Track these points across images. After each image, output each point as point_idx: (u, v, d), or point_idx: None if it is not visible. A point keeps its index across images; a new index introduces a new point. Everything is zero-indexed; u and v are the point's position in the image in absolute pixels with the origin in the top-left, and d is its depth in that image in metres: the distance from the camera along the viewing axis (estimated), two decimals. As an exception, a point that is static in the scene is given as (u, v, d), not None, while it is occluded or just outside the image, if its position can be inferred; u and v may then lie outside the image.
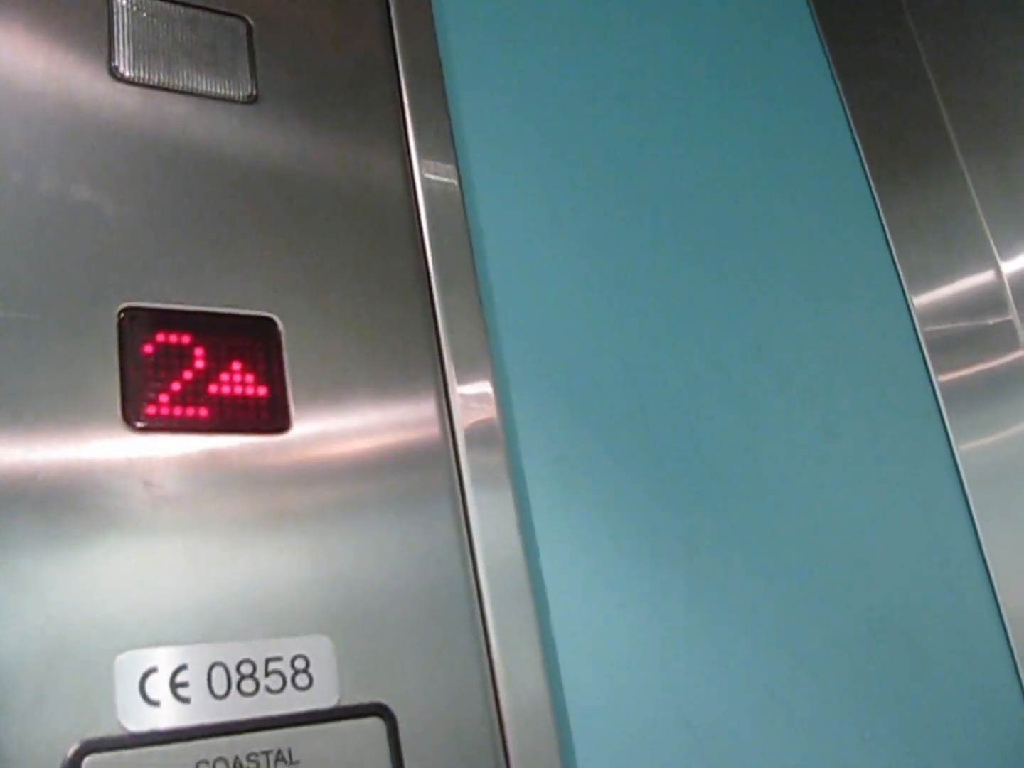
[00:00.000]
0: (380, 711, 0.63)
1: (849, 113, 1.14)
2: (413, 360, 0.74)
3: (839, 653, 0.85)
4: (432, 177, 0.81)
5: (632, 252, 0.92)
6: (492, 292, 0.82)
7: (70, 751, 0.55)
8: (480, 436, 0.74)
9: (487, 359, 0.78)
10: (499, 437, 0.75)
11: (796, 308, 1.00)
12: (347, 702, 0.63)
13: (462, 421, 0.74)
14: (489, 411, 0.76)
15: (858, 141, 1.13)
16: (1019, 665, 0.92)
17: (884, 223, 1.10)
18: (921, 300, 1.07)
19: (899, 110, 1.16)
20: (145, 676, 0.58)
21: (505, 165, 0.89)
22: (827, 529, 0.90)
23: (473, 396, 0.75)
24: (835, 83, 1.15)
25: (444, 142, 0.83)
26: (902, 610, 0.90)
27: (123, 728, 0.57)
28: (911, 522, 0.95)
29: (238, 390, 0.66)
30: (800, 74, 1.14)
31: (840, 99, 1.14)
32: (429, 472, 0.72)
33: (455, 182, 0.83)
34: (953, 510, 0.98)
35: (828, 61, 1.16)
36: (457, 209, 0.82)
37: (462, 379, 0.75)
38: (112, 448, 0.62)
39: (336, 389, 0.70)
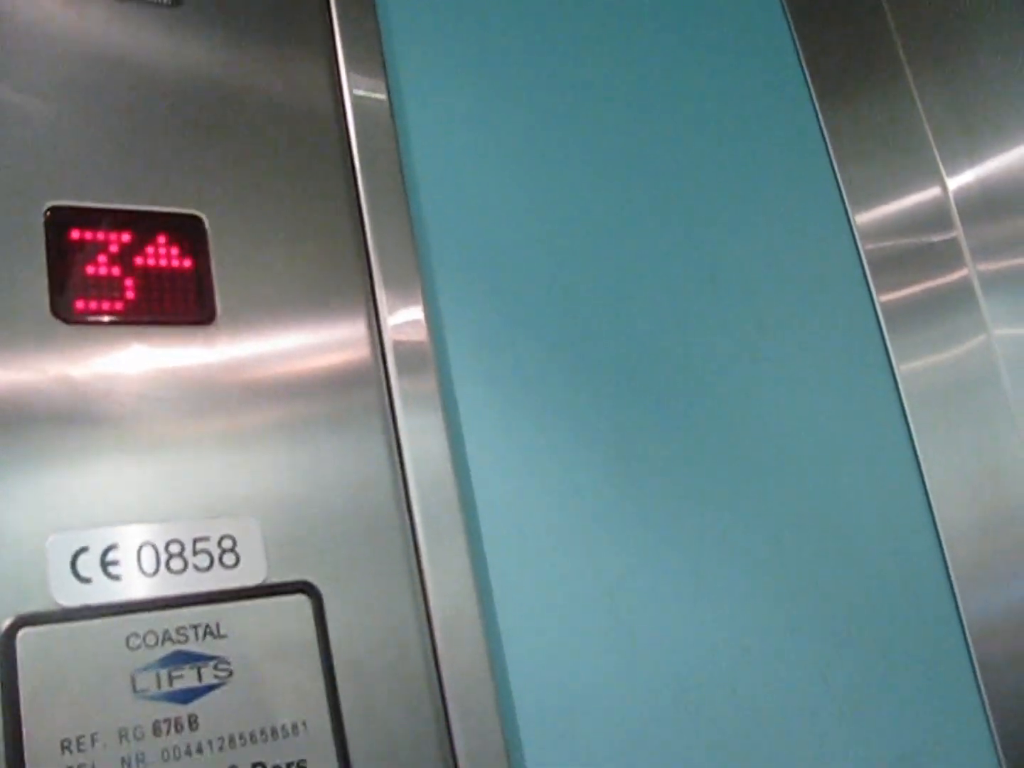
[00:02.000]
0: (306, 588, 0.66)
1: (792, 22, 1.13)
2: (343, 278, 0.76)
3: (768, 543, 0.87)
4: (361, 93, 0.82)
5: (566, 167, 0.93)
6: (423, 211, 0.83)
7: (4, 624, 0.58)
8: (411, 359, 0.76)
9: (417, 275, 0.79)
10: (430, 360, 0.77)
11: (732, 213, 1.00)
12: (273, 580, 0.66)
13: (392, 344, 0.75)
14: (420, 334, 0.77)
15: (800, 50, 1.11)
16: (951, 569, 0.95)
17: (826, 136, 1.09)
18: (863, 217, 1.06)
19: (844, 19, 1.15)
20: (76, 555, 0.61)
21: (436, 79, 0.89)
22: (759, 421, 0.92)
23: (403, 318, 0.77)
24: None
25: (373, 55, 0.84)
26: (830, 499, 0.93)
27: (56, 604, 0.60)
28: (845, 420, 0.97)
29: (165, 272, 0.68)
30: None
31: (783, 7, 1.13)
32: (358, 390, 0.74)
33: (384, 97, 0.83)
34: (892, 428, 0.99)
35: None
36: (387, 125, 0.82)
37: (392, 299, 0.77)
38: (41, 341, 0.64)
39: (262, 291, 0.72)
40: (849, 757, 0.84)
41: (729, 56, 1.08)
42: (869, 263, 1.05)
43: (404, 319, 0.77)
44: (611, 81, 0.99)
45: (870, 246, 1.06)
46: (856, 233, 1.06)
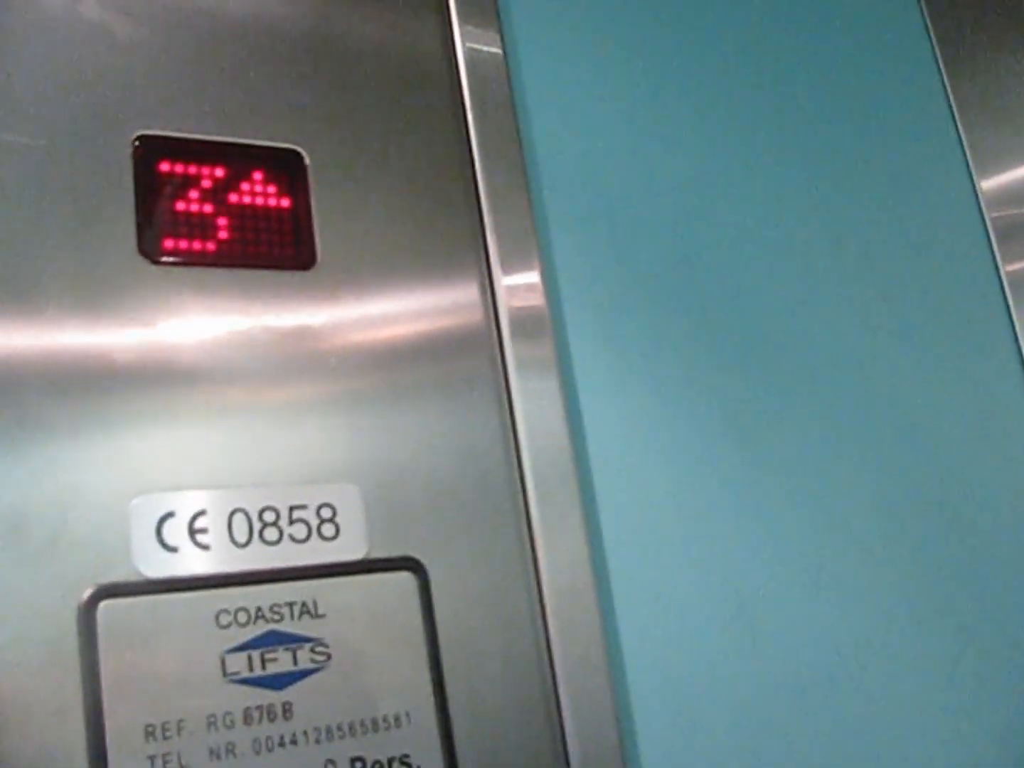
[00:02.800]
0: (411, 565, 0.60)
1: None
2: (454, 235, 0.70)
3: (892, 528, 0.82)
4: (474, 45, 0.76)
5: (687, 125, 0.87)
6: (539, 169, 0.77)
7: (85, 595, 0.53)
8: (526, 323, 0.70)
9: (534, 240, 0.73)
10: (546, 324, 0.71)
11: (858, 173, 0.94)
12: (376, 554, 0.59)
13: (507, 308, 0.69)
14: (536, 298, 0.71)
15: (926, 15, 1.05)
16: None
17: (952, 102, 1.02)
18: (989, 184, 1.01)
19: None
20: (162, 521, 0.55)
21: (552, 31, 0.83)
22: (880, 396, 0.86)
23: (519, 281, 0.71)
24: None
25: (487, 9, 0.77)
26: (956, 486, 0.86)
27: (139, 574, 0.54)
28: (969, 395, 0.91)
29: (260, 211, 0.61)
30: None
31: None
32: (470, 356, 0.68)
33: (499, 50, 0.77)
34: (1015, 398, 0.93)
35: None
36: (501, 81, 0.76)
37: (506, 262, 0.70)
38: (128, 283, 0.58)
39: (366, 239, 0.66)
40: (976, 756, 0.79)
41: (855, 22, 1.02)
42: (995, 231, 0.99)
43: (519, 281, 0.70)
44: (735, 39, 0.93)
45: (995, 214, 1.00)
46: (982, 200, 1.00)
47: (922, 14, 1.05)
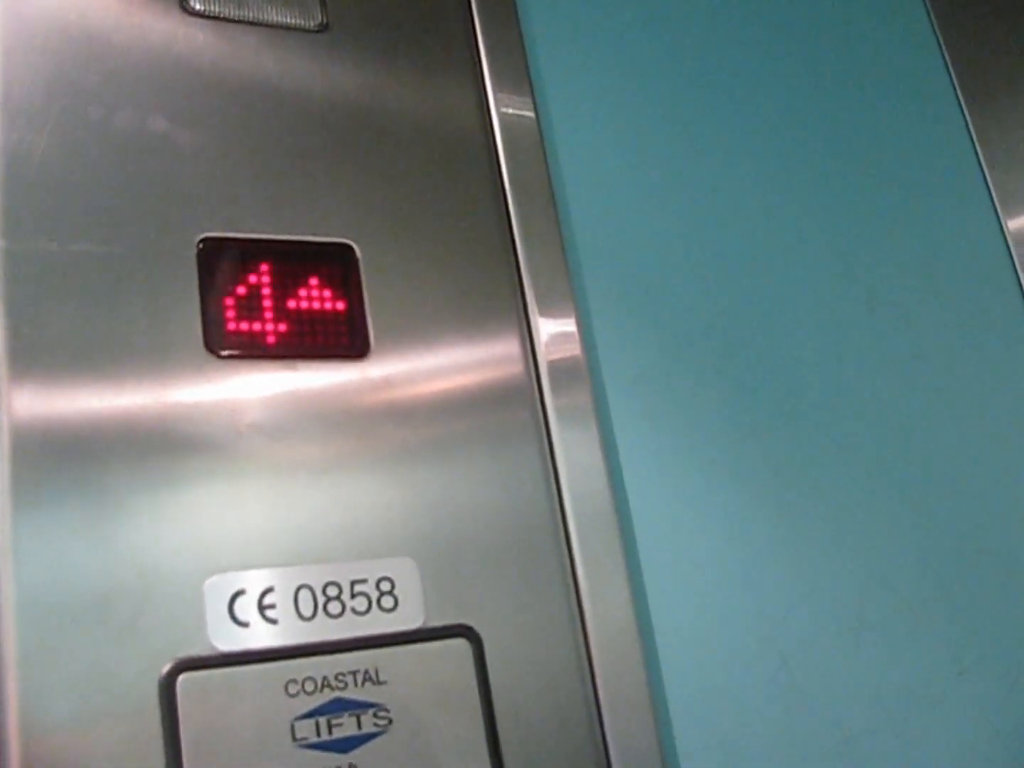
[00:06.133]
0: (466, 632, 0.63)
1: (938, 28, 1.09)
2: (494, 294, 0.74)
3: (931, 578, 0.83)
4: (509, 111, 0.80)
5: (713, 179, 0.90)
6: (572, 226, 0.81)
7: (165, 669, 0.57)
8: (564, 373, 0.74)
9: (569, 294, 0.77)
10: (583, 373, 0.75)
11: (886, 229, 0.96)
12: (432, 623, 0.63)
13: (546, 358, 0.73)
14: (572, 348, 0.75)
15: (948, 57, 1.08)
16: None
17: (976, 142, 1.05)
18: (1016, 222, 1.02)
19: (990, 26, 1.11)
20: (234, 598, 0.60)
21: (582, 95, 0.87)
22: (917, 452, 0.88)
23: (556, 332, 0.75)
24: (924, -4, 1.10)
25: (519, 76, 0.82)
26: (995, 534, 0.88)
27: (214, 648, 0.58)
28: (1005, 447, 0.92)
29: (317, 314, 0.66)
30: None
31: (928, 13, 1.09)
32: (512, 408, 0.72)
33: (532, 114, 0.81)
34: None
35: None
36: (535, 142, 0.81)
37: (544, 315, 0.75)
38: (197, 377, 0.63)
39: (415, 318, 0.70)
40: (1021, 807, 0.79)
41: (877, 69, 1.04)
42: (1022, 269, 1.01)
43: (557, 332, 0.75)
44: (760, 95, 0.96)
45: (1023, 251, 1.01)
46: (1009, 239, 1.02)
47: (943, 56, 1.08)
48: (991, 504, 0.89)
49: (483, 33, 0.82)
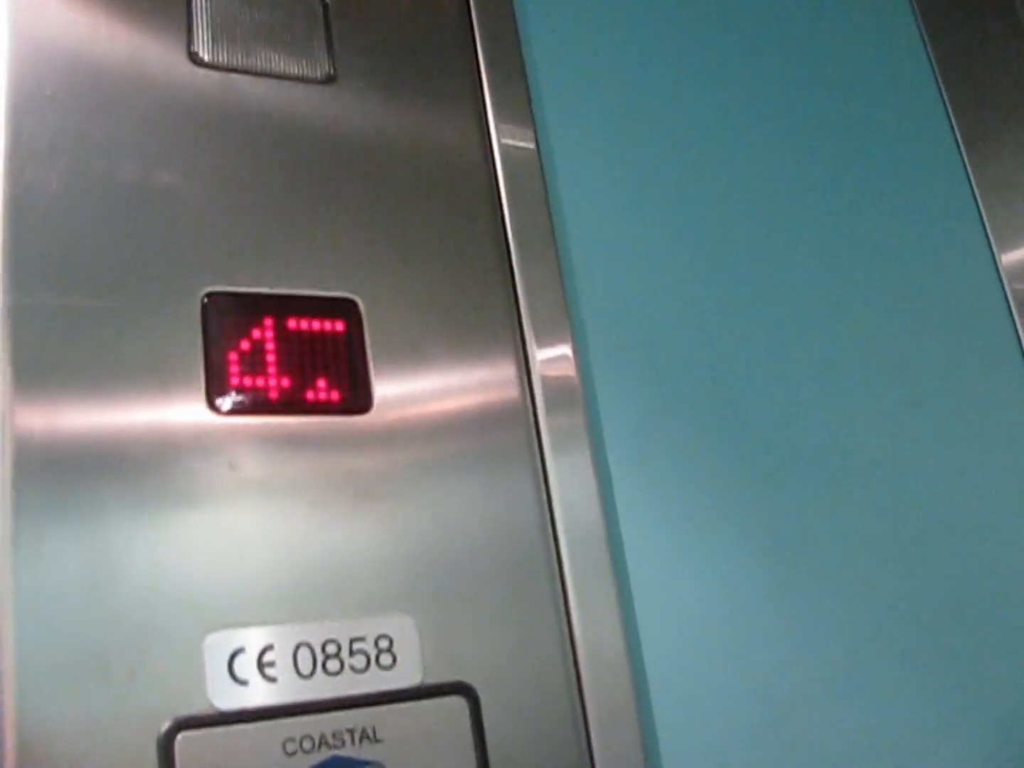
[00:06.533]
0: (462, 689, 0.64)
1: (935, 63, 1.09)
2: (493, 326, 0.75)
3: (923, 630, 0.83)
4: (510, 143, 0.81)
5: (711, 215, 0.91)
6: (571, 257, 0.82)
7: (163, 727, 0.57)
8: (559, 398, 0.74)
9: (566, 324, 0.77)
10: (578, 399, 0.75)
11: (880, 269, 0.97)
12: (430, 680, 0.63)
13: (541, 384, 0.74)
14: (568, 374, 0.76)
15: (944, 92, 1.08)
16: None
17: (971, 176, 1.05)
18: (1010, 257, 1.03)
19: (988, 58, 1.12)
20: (233, 656, 0.60)
21: (583, 130, 0.88)
22: (910, 503, 0.88)
23: (552, 359, 0.75)
24: (920, 31, 1.10)
25: (521, 108, 0.83)
26: (988, 588, 0.88)
27: (213, 706, 0.58)
28: (999, 496, 0.92)
29: (320, 370, 0.66)
30: (884, 23, 1.10)
31: (926, 48, 1.09)
32: (508, 434, 0.72)
33: (533, 147, 0.82)
34: None
35: (913, 8, 1.11)
36: (535, 174, 0.81)
37: (541, 343, 0.75)
38: (197, 431, 0.63)
39: (416, 363, 0.70)
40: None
41: (877, 101, 1.05)
42: (1016, 304, 1.01)
43: (553, 357, 0.76)
44: (758, 136, 0.96)
45: (1018, 286, 1.02)
46: (1003, 274, 1.02)
47: (939, 90, 1.08)
48: (983, 557, 0.89)
49: (486, 68, 0.82)
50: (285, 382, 0.65)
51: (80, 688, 0.56)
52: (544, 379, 0.74)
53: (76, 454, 0.60)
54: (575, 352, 0.77)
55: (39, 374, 0.61)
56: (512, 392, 0.73)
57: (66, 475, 0.60)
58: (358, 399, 0.67)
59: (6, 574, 0.57)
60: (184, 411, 0.63)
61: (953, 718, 0.81)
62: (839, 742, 0.77)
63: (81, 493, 0.60)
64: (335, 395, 0.67)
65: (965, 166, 1.06)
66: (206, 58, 0.71)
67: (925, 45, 1.10)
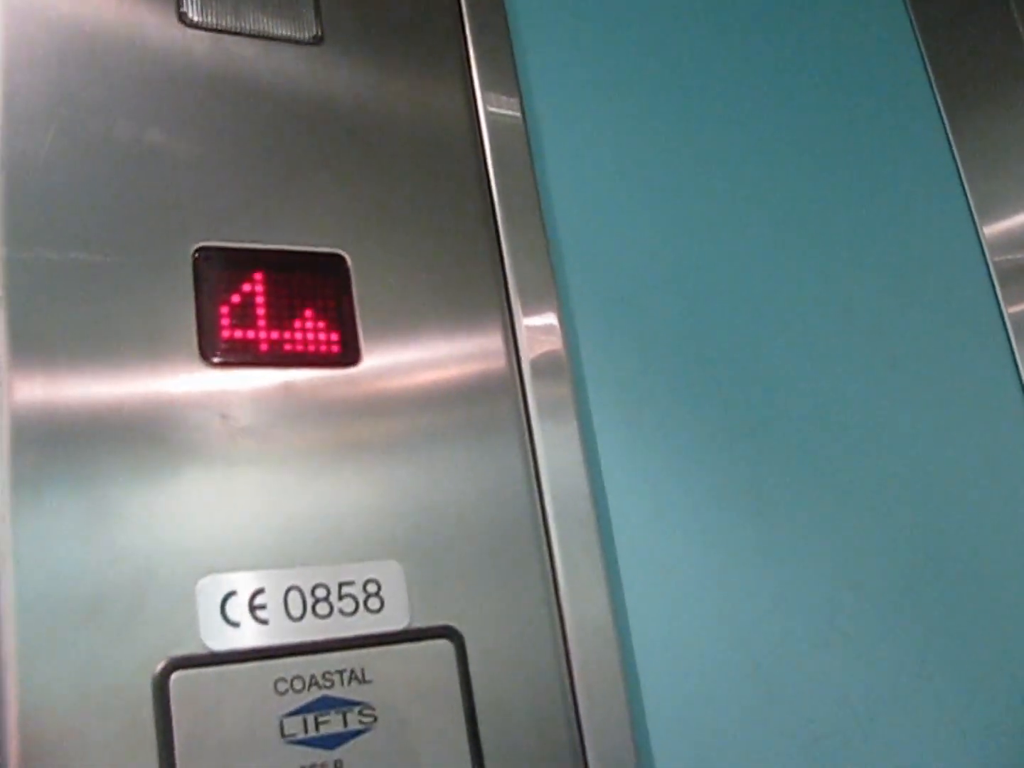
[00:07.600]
0: (448, 633, 0.66)
1: (919, 33, 1.10)
2: (479, 293, 0.76)
3: (900, 583, 0.85)
4: (496, 110, 0.82)
5: (696, 182, 0.92)
6: (557, 224, 0.83)
7: (158, 667, 0.59)
8: (546, 367, 0.76)
9: (552, 291, 0.79)
10: (564, 368, 0.77)
11: (862, 237, 0.98)
12: (417, 624, 0.65)
13: (528, 352, 0.76)
14: (555, 343, 0.77)
15: (928, 63, 1.09)
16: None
17: (954, 148, 1.06)
18: (992, 229, 1.04)
19: (971, 29, 1.13)
20: (225, 599, 0.62)
21: (569, 97, 0.89)
22: (890, 461, 0.90)
23: (539, 328, 0.77)
24: (904, 2, 1.11)
25: (507, 75, 0.84)
26: (966, 541, 0.90)
27: (206, 647, 0.60)
28: (977, 455, 0.94)
29: (309, 323, 0.68)
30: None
31: (910, 19, 1.10)
32: (496, 403, 0.74)
33: (519, 115, 0.83)
34: (1020, 448, 0.96)
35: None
36: (521, 141, 0.83)
37: (528, 311, 0.77)
38: (190, 383, 0.65)
39: (404, 323, 0.72)
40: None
41: (857, 74, 1.06)
42: (998, 275, 1.03)
43: (539, 326, 0.77)
44: (743, 101, 0.98)
45: (999, 258, 1.03)
46: (984, 245, 1.03)
47: (923, 62, 1.09)
48: (965, 508, 0.91)
49: (472, 35, 0.84)
50: (275, 334, 0.67)
51: (78, 632, 0.58)
52: (531, 349, 0.76)
53: (72, 405, 0.62)
54: (561, 320, 0.78)
55: (35, 327, 0.62)
56: (499, 359, 0.75)
57: (62, 426, 0.61)
58: (347, 352, 0.69)
59: (6, 524, 0.59)
60: (177, 363, 0.65)
61: (929, 666, 0.83)
62: (817, 689, 0.78)
63: (77, 442, 0.61)
64: (323, 348, 0.68)
65: (948, 139, 1.07)
66: (196, 19, 0.73)
67: (909, 17, 1.11)
